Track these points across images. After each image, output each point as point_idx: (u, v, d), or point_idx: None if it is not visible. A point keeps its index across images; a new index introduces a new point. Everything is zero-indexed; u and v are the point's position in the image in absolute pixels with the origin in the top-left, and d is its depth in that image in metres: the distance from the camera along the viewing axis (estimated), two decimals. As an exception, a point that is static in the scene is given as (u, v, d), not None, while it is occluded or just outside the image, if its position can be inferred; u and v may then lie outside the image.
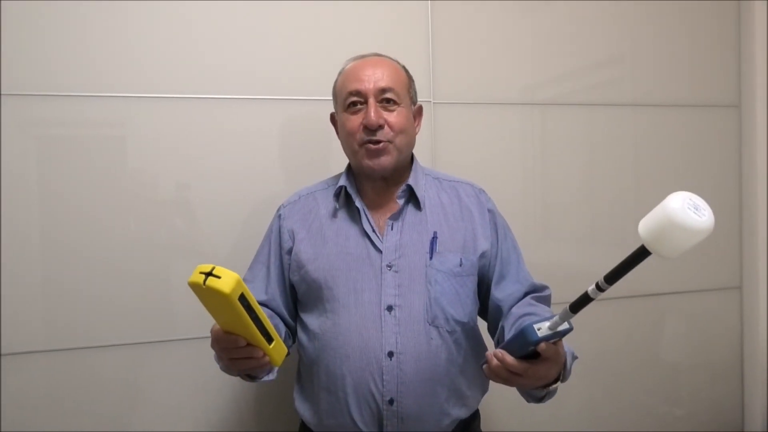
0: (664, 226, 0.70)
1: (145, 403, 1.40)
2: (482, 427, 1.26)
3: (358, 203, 1.14)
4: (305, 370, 1.16)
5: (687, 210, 0.69)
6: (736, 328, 1.88)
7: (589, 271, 1.71)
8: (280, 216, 1.22)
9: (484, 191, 1.23)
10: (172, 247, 1.41)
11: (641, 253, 0.74)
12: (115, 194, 1.36)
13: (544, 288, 1.19)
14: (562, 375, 0.96)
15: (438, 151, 1.57)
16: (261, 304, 1.16)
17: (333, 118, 1.23)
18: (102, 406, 1.37)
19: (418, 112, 1.21)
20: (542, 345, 0.86)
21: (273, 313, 1.17)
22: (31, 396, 1.33)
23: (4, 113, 1.30)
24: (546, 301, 1.18)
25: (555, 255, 1.68)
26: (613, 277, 0.78)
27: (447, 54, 1.58)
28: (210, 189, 1.42)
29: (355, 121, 1.11)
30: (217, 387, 1.44)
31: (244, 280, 1.21)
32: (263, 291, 1.18)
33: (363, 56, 1.17)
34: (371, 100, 1.09)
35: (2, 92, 1.29)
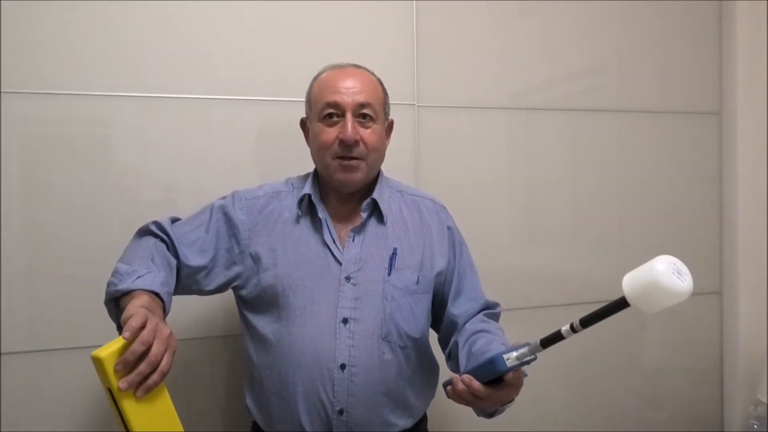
0: (648, 287, 0.76)
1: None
2: (452, 426, 1.29)
3: (321, 214, 1.13)
4: (256, 372, 1.14)
5: (671, 274, 0.76)
6: (715, 332, 1.90)
7: (572, 276, 1.74)
8: (242, 208, 1.16)
9: (444, 208, 1.25)
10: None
11: (620, 305, 0.80)
12: (100, 194, 1.35)
13: (495, 305, 1.23)
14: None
15: (421, 155, 1.57)
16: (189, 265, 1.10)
17: (303, 124, 1.21)
18: (88, 407, 1.35)
19: (390, 127, 1.21)
20: (509, 374, 0.92)
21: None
22: (20, 397, 1.31)
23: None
24: (496, 317, 1.22)
25: (539, 259, 1.69)
26: (588, 321, 0.84)
27: (432, 57, 1.58)
28: (197, 190, 1.40)
29: (330, 134, 1.09)
30: (205, 386, 1.43)
31: (177, 222, 1.16)
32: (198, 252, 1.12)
33: (341, 66, 1.15)
34: (349, 115, 1.08)
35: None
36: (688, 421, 1.87)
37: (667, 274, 0.75)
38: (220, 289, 1.15)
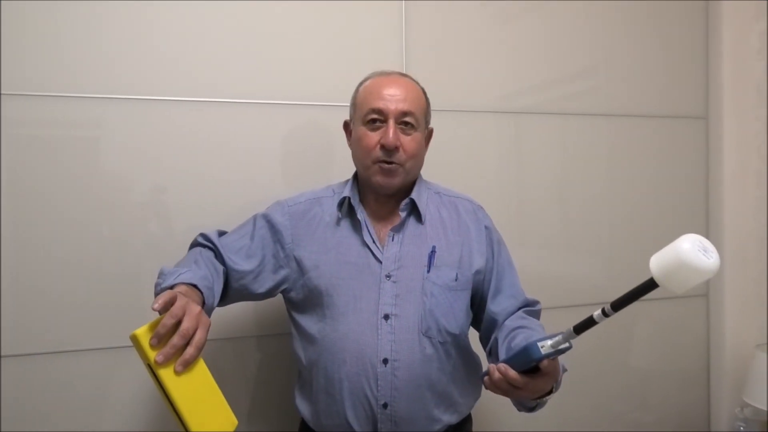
0: (675, 265, 0.76)
1: (114, 408, 1.37)
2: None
3: (360, 215, 1.17)
4: (305, 371, 1.19)
5: (697, 252, 0.75)
6: (702, 335, 1.92)
7: (563, 277, 1.75)
8: (284, 214, 1.21)
9: (482, 208, 1.28)
10: (147, 250, 1.38)
11: (649, 286, 0.80)
12: (89, 196, 1.33)
13: (536, 303, 1.24)
14: (554, 387, 1.01)
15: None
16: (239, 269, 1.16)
17: (347, 126, 1.24)
18: (71, 411, 1.33)
19: (429, 135, 1.25)
20: (544, 361, 0.92)
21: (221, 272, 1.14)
22: (19, 400, 1.30)
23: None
24: (537, 315, 1.23)
25: (529, 261, 1.70)
26: (619, 304, 0.84)
27: (421, 60, 1.58)
28: (187, 193, 1.40)
29: (373, 138, 1.13)
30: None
31: (224, 233, 1.23)
32: (244, 257, 1.18)
33: (387, 73, 1.19)
34: (391, 121, 1.12)
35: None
36: (676, 423, 1.88)
37: (693, 252, 0.75)
38: (270, 292, 1.20)
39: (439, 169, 1.57)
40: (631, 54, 1.81)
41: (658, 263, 0.78)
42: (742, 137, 1.86)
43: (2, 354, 1.29)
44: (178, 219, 1.40)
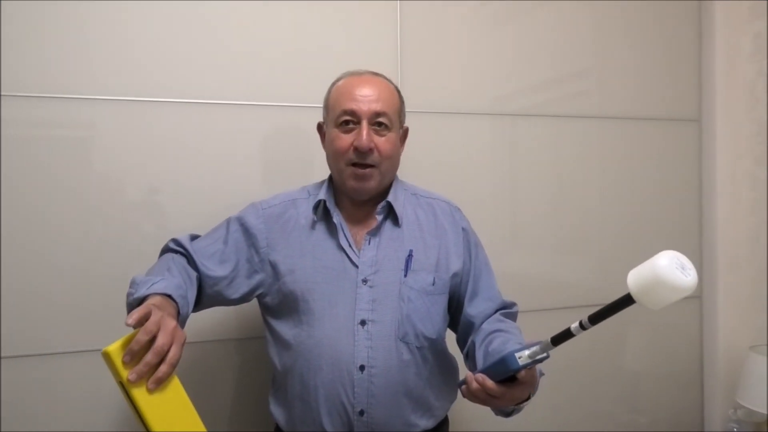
0: (652, 282, 0.76)
1: (111, 409, 1.36)
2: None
3: (335, 219, 1.15)
4: (280, 377, 1.17)
5: (674, 269, 0.75)
6: (696, 337, 1.92)
7: (556, 280, 1.75)
8: (258, 217, 1.18)
9: (459, 209, 1.26)
10: (142, 252, 1.36)
11: (626, 301, 0.79)
12: (85, 197, 1.33)
13: (512, 305, 1.23)
14: (531, 393, 1.00)
15: (404, 161, 1.55)
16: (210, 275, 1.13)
17: (320, 128, 1.22)
18: (70, 412, 1.33)
19: (405, 134, 1.23)
20: (522, 372, 0.92)
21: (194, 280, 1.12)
22: (19, 400, 1.30)
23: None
24: (514, 317, 1.22)
25: (523, 264, 1.70)
26: (596, 318, 0.83)
27: (415, 63, 1.58)
28: (182, 194, 1.40)
29: (345, 140, 1.11)
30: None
31: (196, 237, 1.20)
32: (217, 263, 1.15)
33: (359, 73, 1.17)
34: (364, 123, 1.10)
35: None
36: (669, 424, 1.89)
37: (670, 269, 0.74)
38: (245, 297, 1.18)
39: (433, 171, 1.58)
40: (625, 57, 1.82)
41: (635, 279, 0.78)
42: (734, 140, 1.87)
43: (2, 355, 1.28)
44: (172, 220, 1.39)
